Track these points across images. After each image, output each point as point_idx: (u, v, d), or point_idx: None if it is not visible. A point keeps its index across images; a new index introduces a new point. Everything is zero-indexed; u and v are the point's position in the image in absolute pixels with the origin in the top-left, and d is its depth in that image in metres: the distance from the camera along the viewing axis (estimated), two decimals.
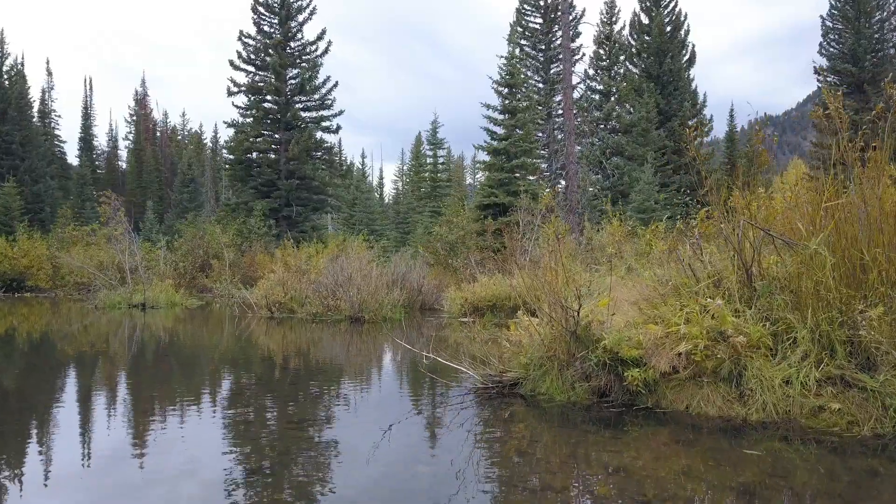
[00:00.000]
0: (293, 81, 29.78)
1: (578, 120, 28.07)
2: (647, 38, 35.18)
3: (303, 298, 12.40)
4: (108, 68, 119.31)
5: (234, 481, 3.16)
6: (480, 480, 3.14)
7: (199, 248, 22.77)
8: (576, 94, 27.56)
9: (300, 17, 30.17)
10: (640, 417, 4.29)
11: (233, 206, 29.97)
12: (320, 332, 10.22)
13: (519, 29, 32.49)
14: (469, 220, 19.39)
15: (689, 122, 31.81)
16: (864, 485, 3.11)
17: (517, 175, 20.78)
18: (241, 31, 29.48)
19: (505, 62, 22.66)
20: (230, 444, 3.89)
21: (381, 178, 74.24)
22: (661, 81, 34.22)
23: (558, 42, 32.33)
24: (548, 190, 24.22)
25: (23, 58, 49.75)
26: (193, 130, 64.34)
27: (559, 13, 29.07)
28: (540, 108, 29.67)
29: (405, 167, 67.14)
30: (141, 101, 60.44)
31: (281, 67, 29.12)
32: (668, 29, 35.60)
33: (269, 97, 29.61)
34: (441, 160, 45.46)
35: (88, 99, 56.61)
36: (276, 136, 29.67)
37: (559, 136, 30.06)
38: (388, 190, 73.10)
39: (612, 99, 31.15)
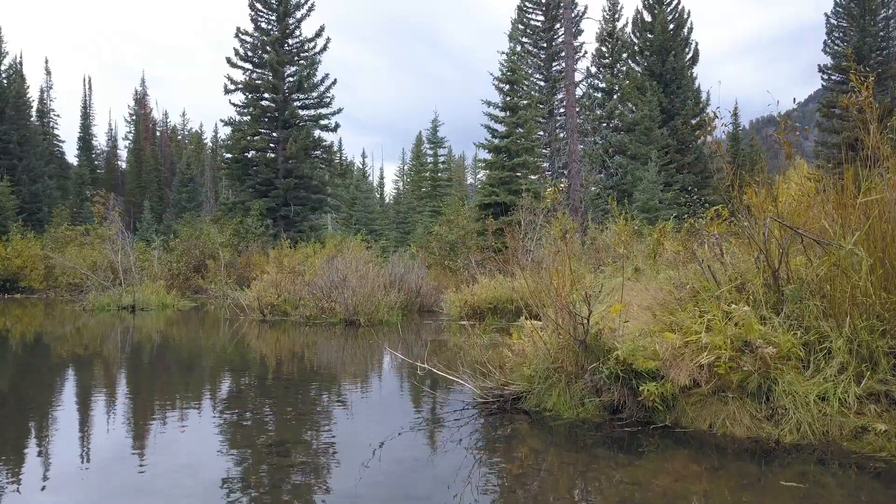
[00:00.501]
0: (291, 79, 29.34)
1: (581, 119, 27.63)
2: (649, 35, 34.76)
3: (296, 300, 11.97)
4: (107, 68, 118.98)
5: None
6: None
7: (196, 249, 22.38)
8: (578, 92, 27.12)
9: (298, 14, 29.76)
10: (658, 437, 3.85)
11: (230, 205, 29.54)
12: (312, 337, 9.79)
13: (520, 27, 32.05)
14: (469, 219, 18.95)
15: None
16: None
17: (518, 174, 20.34)
18: (238, 28, 29.08)
19: (506, 58, 22.23)
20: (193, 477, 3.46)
21: (382, 177, 73.81)
22: (664, 80, 33.80)
23: (560, 40, 31.90)
24: (551, 187, 23.75)
25: (21, 57, 49.43)
26: (194, 130, 63.95)
27: (561, 10, 28.63)
28: (541, 106, 29.22)
29: (406, 167, 66.74)
30: (140, 100, 60.05)
31: (279, 65, 28.69)
32: (671, 27, 35.17)
33: (266, 95, 29.17)
34: (442, 159, 45.05)
35: (88, 98, 56.26)
36: (274, 134, 29.24)
37: (561, 135, 29.62)
38: (389, 190, 72.69)
39: (615, 97, 30.71)
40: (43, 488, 3.14)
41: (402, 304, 12.15)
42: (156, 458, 3.68)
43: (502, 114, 21.70)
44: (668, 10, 35.38)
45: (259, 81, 29.05)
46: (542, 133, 29.48)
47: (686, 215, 12.02)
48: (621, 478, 3.22)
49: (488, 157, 21.50)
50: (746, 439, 3.67)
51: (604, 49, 32.24)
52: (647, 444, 3.75)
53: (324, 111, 29.98)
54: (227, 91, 28.95)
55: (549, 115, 30.98)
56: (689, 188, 25.54)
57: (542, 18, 32.90)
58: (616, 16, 32.63)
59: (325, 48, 30.11)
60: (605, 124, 30.01)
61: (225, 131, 31.47)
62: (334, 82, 30.03)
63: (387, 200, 66.25)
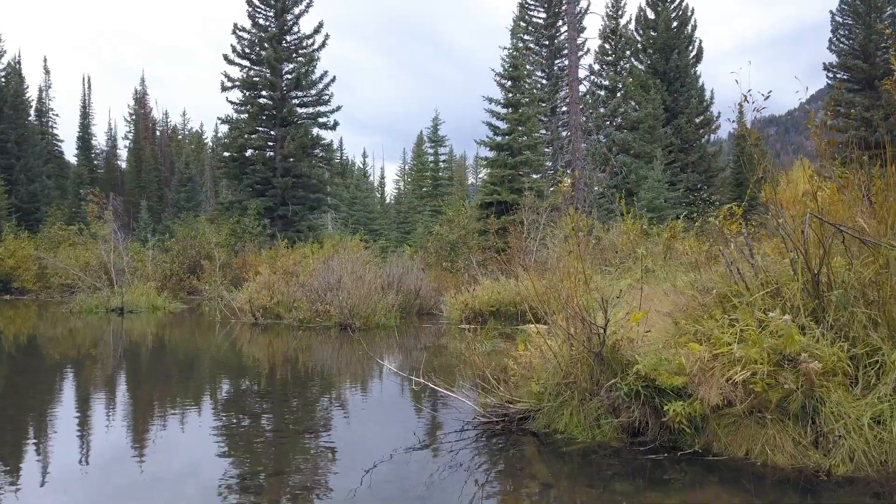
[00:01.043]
0: (289, 76, 28.81)
1: (584, 118, 27.13)
2: (653, 33, 34.24)
3: (290, 303, 11.46)
4: (107, 68, 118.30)
5: None
6: None
7: (192, 249, 21.89)
8: (581, 89, 26.61)
9: (296, 10, 29.21)
10: (686, 465, 3.36)
11: (226, 204, 29.02)
12: (304, 342, 9.30)
13: (522, 24, 31.53)
14: (470, 218, 18.44)
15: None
16: None
17: (521, 172, 19.83)
18: (235, 24, 28.50)
19: (508, 54, 21.72)
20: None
21: (383, 177, 73.29)
22: (668, 78, 33.29)
23: (562, 37, 31.40)
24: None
25: (19, 56, 48.98)
26: (194, 130, 63.50)
27: (564, 6, 28.13)
28: (543, 104, 28.71)
29: (406, 167, 66.26)
30: (140, 100, 59.58)
31: (276, 62, 28.15)
32: (675, 24, 34.64)
33: (264, 92, 28.62)
34: (443, 158, 44.55)
35: (87, 98, 55.79)
36: (272, 132, 28.70)
37: (563, 133, 29.12)
38: (390, 190, 72.19)
39: (618, 95, 30.19)
40: None
41: (400, 306, 11.65)
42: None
43: (504, 110, 21.20)
44: (672, 7, 34.86)
45: (256, 79, 28.53)
46: (543, 131, 28.98)
47: (696, 214, 11.50)
48: None
49: (490, 154, 21.00)
50: (790, 469, 3.18)
51: (607, 46, 31.73)
52: (673, 473, 3.26)
53: (322, 109, 29.44)
54: (224, 88, 28.44)
55: (551, 113, 30.49)
56: (699, 186, 25.03)
57: (543, 15, 32.42)
58: (619, 12, 32.12)
59: (323, 45, 29.60)
60: (608, 122, 29.50)
61: (223, 129, 30.93)
62: (333, 79, 29.51)
63: (388, 200, 65.75)
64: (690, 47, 35.17)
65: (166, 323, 12.50)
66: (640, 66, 33.25)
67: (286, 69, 29.03)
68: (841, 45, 36.44)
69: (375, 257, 15.86)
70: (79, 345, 9.46)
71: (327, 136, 31.16)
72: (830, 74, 36.71)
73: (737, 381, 3.39)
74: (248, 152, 28.57)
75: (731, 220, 6.24)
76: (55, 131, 53.69)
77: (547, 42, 32.43)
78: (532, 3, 32.30)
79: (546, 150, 27.67)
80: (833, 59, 36.37)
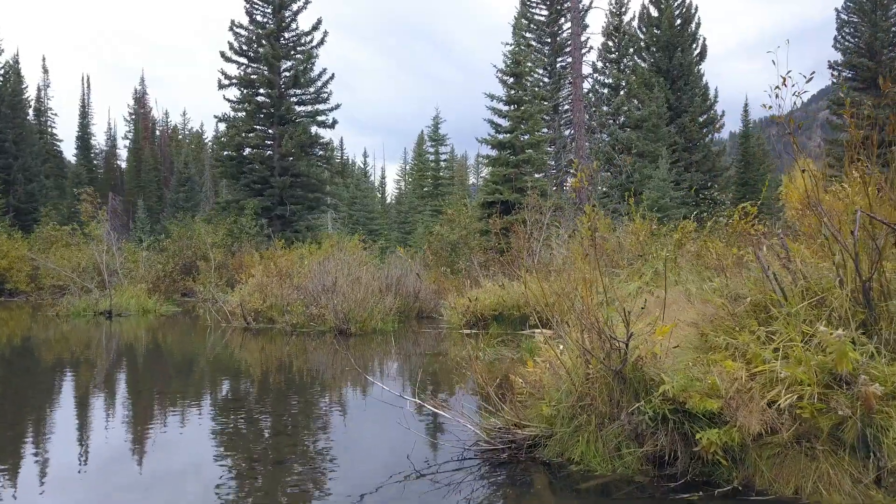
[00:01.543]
0: (287, 74, 28.32)
1: (587, 117, 26.64)
2: (656, 31, 33.75)
3: (283, 306, 10.98)
4: (107, 68, 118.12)
5: None
6: None
7: (188, 249, 21.44)
8: (585, 86, 26.15)
9: (294, 7, 28.72)
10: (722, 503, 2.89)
11: (223, 204, 28.54)
12: (296, 348, 8.83)
13: (524, 21, 31.06)
14: (472, 218, 17.96)
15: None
16: None
17: (523, 171, 19.36)
18: (232, 21, 28.02)
19: (510, 50, 21.24)
20: None
21: (384, 177, 72.75)
22: (671, 76, 32.80)
23: (564, 35, 30.93)
24: (560, 182, 22.78)
25: (18, 55, 48.43)
26: (194, 130, 63.06)
27: (566, 3, 27.66)
28: (545, 103, 28.22)
29: (407, 166, 65.75)
30: (140, 99, 59.17)
31: (274, 59, 27.67)
32: (678, 22, 34.14)
33: (261, 90, 28.14)
34: (443, 157, 44.06)
35: (86, 97, 55.41)
36: (270, 130, 28.22)
37: (566, 132, 28.64)
38: (390, 190, 71.69)
39: (622, 93, 29.70)
40: None
41: (398, 309, 11.18)
42: None
43: (506, 108, 20.73)
44: (675, 4, 34.36)
45: (254, 76, 28.05)
46: (546, 130, 28.50)
47: (704, 213, 10.99)
48: None
49: (492, 153, 20.53)
50: None
51: (610, 44, 31.24)
52: None
53: (321, 107, 28.93)
54: (221, 86, 27.96)
55: (553, 111, 30.01)
56: (708, 185, 24.51)
57: (546, 13, 31.96)
58: (622, 10, 31.63)
59: (322, 42, 29.11)
60: (611, 121, 29.01)
61: (221, 128, 30.37)
62: (332, 77, 29.02)
63: (388, 200, 65.25)
64: (694, 45, 34.67)
65: (155, 327, 12.03)
66: (643, 64, 32.76)
67: (284, 66, 28.55)
68: (846, 43, 35.93)
69: (374, 258, 15.39)
70: (56, 352, 8.99)
71: (326, 134, 30.83)
72: (835, 73, 36.19)
73: (782, 406, 2.93)
74: (246, 151, 28.09)
75: (747, 219, 5.78)
76: (54, 131, 53.31)
77: (549, 40, 31.98)
78: (534, 0, 31.87)
79: (549, 149, 27.19)
80: (838, 57, 35.87)
